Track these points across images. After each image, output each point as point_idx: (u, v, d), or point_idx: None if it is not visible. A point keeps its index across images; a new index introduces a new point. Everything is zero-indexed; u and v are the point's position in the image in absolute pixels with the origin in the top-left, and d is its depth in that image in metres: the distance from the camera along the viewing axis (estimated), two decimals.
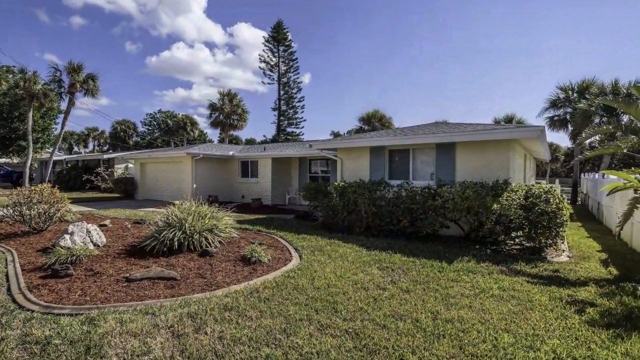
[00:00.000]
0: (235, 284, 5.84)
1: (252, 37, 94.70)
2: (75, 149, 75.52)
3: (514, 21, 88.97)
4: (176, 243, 7.52)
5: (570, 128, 25.11)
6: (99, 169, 27.01)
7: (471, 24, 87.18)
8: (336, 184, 11.50)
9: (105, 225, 10.76)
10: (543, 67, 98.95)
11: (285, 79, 50.59)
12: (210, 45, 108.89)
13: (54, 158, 31.14)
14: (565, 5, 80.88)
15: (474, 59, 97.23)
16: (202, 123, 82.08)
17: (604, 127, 8.80)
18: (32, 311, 4.67)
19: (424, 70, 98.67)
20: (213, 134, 70.72)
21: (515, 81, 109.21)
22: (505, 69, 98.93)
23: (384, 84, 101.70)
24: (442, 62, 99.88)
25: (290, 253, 8.02)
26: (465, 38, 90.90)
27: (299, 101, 50.73)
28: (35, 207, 9.75)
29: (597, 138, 29.10)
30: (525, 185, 9.24)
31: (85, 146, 76.12)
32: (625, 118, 20.70)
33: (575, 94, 24.48)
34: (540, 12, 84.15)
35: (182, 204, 8.77)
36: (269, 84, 52.30)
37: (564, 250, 8.67)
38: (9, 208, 9.81)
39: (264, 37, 53.05)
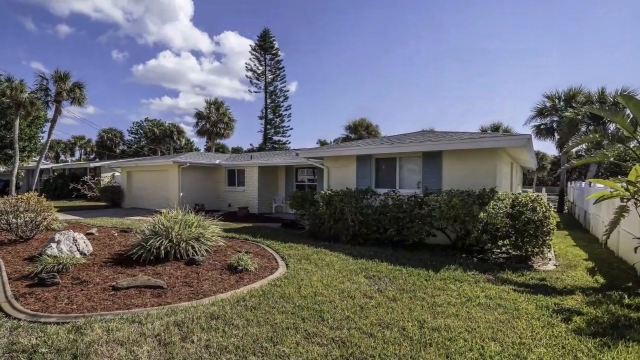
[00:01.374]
0: (222, 293, 5.81)
1: (238, 45, 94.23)
2: (62, 157, 74.76)
3: (514, 22, 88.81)
4: (163, 251, 7.49)
5: (556, 136, 25.38)
6: (86, 177, 26.74)
7: (469, 23, 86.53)
8: (323, 192, 11.48)
9: (91, 234, 10.65)
10: (543, 68, 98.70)
11: (272, 88, 50.84)
12: (197, 54, 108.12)
13: (41, 167, 30.80)
14: (565, 6, 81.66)
15: (472, 59, 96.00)
16: (189, 132, 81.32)
17: (591, 136, 8.77)
18: (19, 320, 4.63)
19: (421, 70, 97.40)
20: (200, 142, 70.57)
21: (516, 81, 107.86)
22: (505, 69, 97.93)
23: (376, 86, 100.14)
24: (440, 62, 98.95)
25: (276, 261, 8.00)
26: (463, 38, 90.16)
27: (286, 109, 51.04)
28: (22, 215, 9.69)
29: (584, 147, 29.33)
30: (512, 194, 9.30)
31: (72, 155, 75.49)
32: (611, 127, 20.76)
33: (561, 103, 24.79)
34: (541, 13, 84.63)
35: (168, 213, 8.74)
36: (255, 92, 52.72)
37: (550, 259, 8.74)
38: None
39: (250, 45, 53.16)
